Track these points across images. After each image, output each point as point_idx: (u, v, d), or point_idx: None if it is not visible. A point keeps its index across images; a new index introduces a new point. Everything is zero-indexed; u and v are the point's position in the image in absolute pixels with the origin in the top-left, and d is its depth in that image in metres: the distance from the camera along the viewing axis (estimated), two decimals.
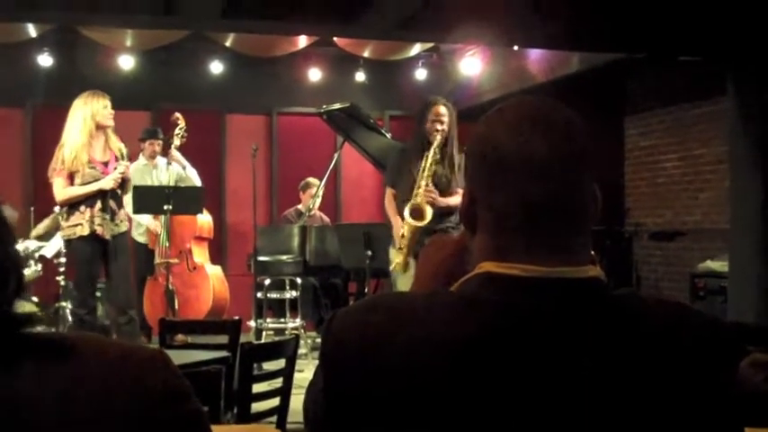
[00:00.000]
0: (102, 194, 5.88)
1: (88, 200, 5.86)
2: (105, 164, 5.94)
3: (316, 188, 8.55)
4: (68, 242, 6.01)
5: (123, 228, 6.06)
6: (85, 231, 5.84)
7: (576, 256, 1.18)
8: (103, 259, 5.97)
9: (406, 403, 1.10)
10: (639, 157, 9.80)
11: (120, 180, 5.93)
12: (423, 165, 5.75)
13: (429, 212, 5.67)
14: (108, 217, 5.88)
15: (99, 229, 5.83)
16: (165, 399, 1.03)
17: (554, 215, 1.18)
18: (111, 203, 5.94)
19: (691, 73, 8.18)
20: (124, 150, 6.03)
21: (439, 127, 5.80)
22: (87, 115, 5.88)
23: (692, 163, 8.97)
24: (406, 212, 5.70)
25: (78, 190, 5.86)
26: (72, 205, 5.91)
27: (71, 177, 5.87)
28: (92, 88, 6.17)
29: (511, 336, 1.12)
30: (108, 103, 5.98)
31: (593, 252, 1.23)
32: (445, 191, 5.83)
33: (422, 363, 1.10)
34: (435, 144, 5.76)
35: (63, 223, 6.00)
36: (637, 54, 7.27)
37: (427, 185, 5.73)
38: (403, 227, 5.71)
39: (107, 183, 5.87)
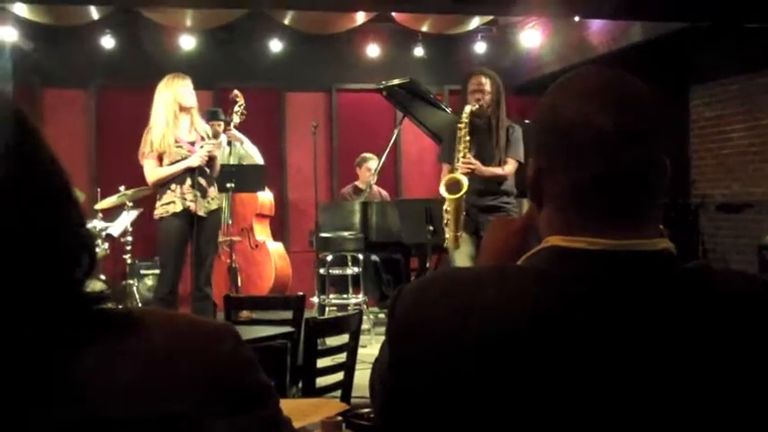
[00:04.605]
0: (190, 172, 5.94)
1: (177, 178, 5.93)
2: (192, 143, 6.00)
3: (374, 163, 8.53)
4: (160, 221, 6.03)
5: (215, 205, 6.11)
6: (178, 208, 5.90)
7: (645, 228, 1.16)
8: (193, 237, 6.00)
9: (476, 378, 1.09)
10: (705, 127, 9.62)
11: (206, 158, 5.98)
12: (458, 136, 5.70)
13: (465, 183, 5.60)
14: (199, 194, 5.95)
15: (192, 206, 5.89)
16: (234, 370, 1.03)
17: (622, 188, 1.16)
18: (201, 181, 6.00)
19: (757, 41, 8.00)
20: (209, 131, 6.10)
21: (478, 96, 5.75)
22: (170, 98, 5.96)
23: (759, 133, 8.78)
24: (442, 188, 5.66)
25: (168, 170, 5.94)
26: (163, 185, 5.99)
27: (160, 159, 5.96)
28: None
29: (582, 309, 1.10)
30: (189, 83, 6.05)
31: (661, 226, 1.20)
32: (491, 162, 5.76)
33: (493, 340, 1.09)
34: (464, 115, 5.70)
35: (157, 204, 6.05)
36: (701, 23, 7.13)
37: (464, 156, 5.68)
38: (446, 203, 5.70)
39: (194, 160, 5.93)
